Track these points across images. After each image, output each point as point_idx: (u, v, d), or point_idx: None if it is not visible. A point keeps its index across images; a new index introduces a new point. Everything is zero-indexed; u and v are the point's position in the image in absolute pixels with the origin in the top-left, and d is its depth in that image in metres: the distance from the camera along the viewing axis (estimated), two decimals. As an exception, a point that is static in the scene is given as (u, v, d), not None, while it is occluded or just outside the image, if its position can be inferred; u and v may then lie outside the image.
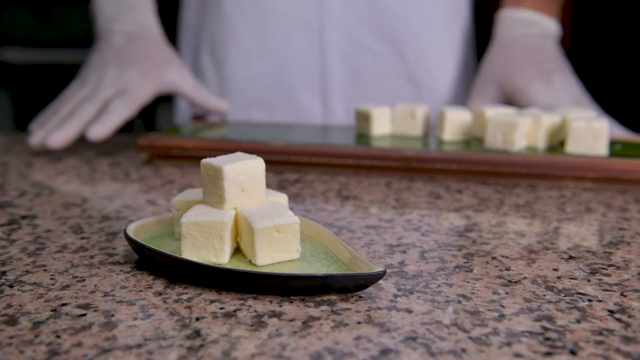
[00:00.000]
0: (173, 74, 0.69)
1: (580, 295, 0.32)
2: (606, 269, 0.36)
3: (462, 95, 0.83)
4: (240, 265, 0.33)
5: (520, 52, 0.71)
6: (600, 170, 0.53)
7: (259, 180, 0.35)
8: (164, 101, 1.18)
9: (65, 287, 0.33)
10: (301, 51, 0.79)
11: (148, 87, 0.67)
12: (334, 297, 0.32)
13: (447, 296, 0.32)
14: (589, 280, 0.34)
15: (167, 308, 0.30)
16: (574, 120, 0.55)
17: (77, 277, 0.34)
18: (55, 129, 0.63)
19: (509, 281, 0.34)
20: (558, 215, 0.47)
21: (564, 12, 0.85)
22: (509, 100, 0.69)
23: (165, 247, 0.36)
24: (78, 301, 0.31)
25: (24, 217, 0.45)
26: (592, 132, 0.55)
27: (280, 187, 0.53)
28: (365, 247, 0.39)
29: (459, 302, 0.31)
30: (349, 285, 0.31)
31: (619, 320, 0.30)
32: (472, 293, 0.32)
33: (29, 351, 0.27)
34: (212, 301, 0.31)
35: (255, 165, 0.35)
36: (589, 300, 0.32)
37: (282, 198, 0.37)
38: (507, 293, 0.32)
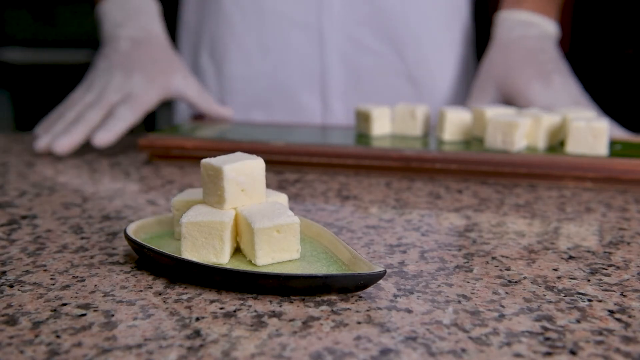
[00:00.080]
0: (178, 80, 0.70)
1: (580, 295, 0.32)
2: (606, 269, 0.36)
3: (462, 95, 0.83)
4: (240, 265, 0.33)
5: (519, 53, 0.71)
6: (600, 170, 0.53)
7: (259, 180, 0.35)
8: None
9: (65, 287, 0.33)
10: (301, 51, 0.79)
11: (153, 93, 0.67)
12: (334, 297, 0.32)
13: (447, 296, 0.32)
14: (589, 280, 0.34)
15: (167, 308, 0.30)
16: (574, 120, 0.55)
17: (77, 277, 0.34)
18: (61, 134, 0.64)
19: (509, 281, 0.34)
20: (558, 215, 0.47)
21: (564, 13, 0.85)
22: (509, 101, 0.69)
23: (165, 247, 0.36)
24: (78, 301, 0.31)
25: (24, 217, 0.45)
26: (592, 132, 0.55)
27: (280, 187, 0.53)
28: (365, 247, 0.39)
29: (459, 302, 0.31)
30: (349, 285, 0.31)
31: (619, 320, 0.30)
32: (472, 293, 0.32)
33: (29, 351, 0.27)
34: (212, 301, 0.31)
35: (255, 165, 0.35)
36: (589, 300, 0.32)
37: (282, 198, 0.37)
38: (507, 293, 0.32)
